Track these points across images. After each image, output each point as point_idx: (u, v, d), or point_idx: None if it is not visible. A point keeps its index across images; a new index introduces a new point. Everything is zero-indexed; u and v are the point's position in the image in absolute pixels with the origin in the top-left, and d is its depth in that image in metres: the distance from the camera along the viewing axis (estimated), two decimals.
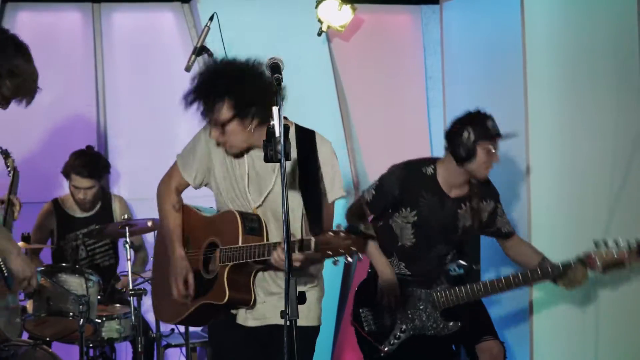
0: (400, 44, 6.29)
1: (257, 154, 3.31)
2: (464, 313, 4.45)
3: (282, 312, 2.84)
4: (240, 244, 3.26)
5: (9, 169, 4.14)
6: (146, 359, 5.12)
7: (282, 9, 5.85)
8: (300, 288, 2.90)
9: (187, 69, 4.75)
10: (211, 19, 4.81)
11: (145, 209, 5.35)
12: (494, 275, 5.15)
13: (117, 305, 5.13)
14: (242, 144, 3.32)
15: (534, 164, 5.22)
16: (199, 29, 5.77)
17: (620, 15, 4.86)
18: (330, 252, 2.92)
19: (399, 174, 4.41)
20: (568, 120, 5.18)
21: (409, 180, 4.39)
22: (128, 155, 5.88)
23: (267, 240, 3.30)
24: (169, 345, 5.34)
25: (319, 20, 5.77)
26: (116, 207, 5.53)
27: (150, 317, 5.23)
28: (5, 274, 3.66)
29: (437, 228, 4.40)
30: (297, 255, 3.04)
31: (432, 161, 4.46)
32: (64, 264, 5.10)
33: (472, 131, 4.29)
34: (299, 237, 3.23)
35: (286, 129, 2.90)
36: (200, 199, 3.80)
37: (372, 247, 4.41)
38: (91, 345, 4.92)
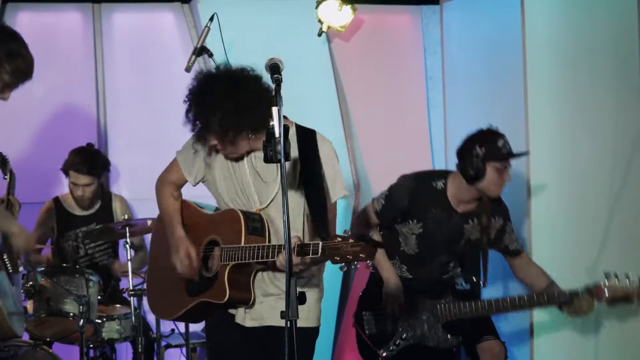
0: (401, 44, 6.29)
1: (258, 154, 3.31)
2: (465, 325, 4.44)
3: (282, 312, 2.83)
4: (242, 243, 3.24)
5: (6, 176, 4.16)
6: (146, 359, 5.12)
7: (282, 9, 5.85)
8: (299, 288, 2.90)
9: (187, 69, 4.76)
10: (211, 19, 4.82)
11: (146, 209, 5.35)
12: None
13: (118, 305, 5.13)
14: (242, 150, 3.32)
15: (534, 164, 5.22)
16: (199, 29, 5.77)
17: (620, 15, 4.86)
18: (337, 258, 2.91)
19: (409, 185, 4.39)
20: (568, 120, 5.18)
21: (418, 193, 4.37)
22: (128, 155, 5.88)
23: (269, 240, 3.29)
24: (169, 346, 5.34)
25: (319, 21, 5.77)
26: (117, 206, 5.53)
27: (151, 318, 5.23)
28: (10, 270, 3.69)
29: (441, 240, 4.39)
30: (304, 259, 3.03)
31: (444, 175, 4.42)
32: (64, 264, 5.11)
33: (481, 150, 4.24)
34: (301, 236, 3.23)
35: (286, 129, 2.89)
36: (202, 199, 3.80)
37: (379, 252, 4.41)
38: (91, 345, 4.92)
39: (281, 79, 2.97)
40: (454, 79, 6.11)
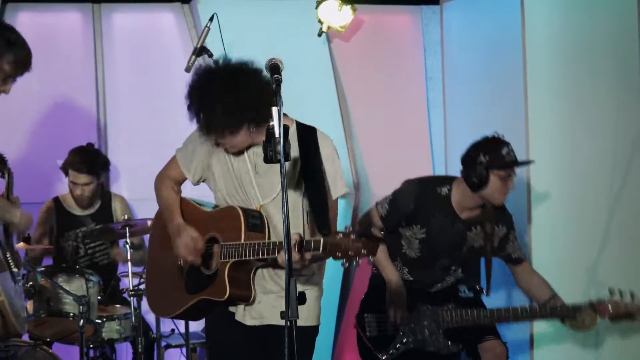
0: (401, 44, 6.29)
1: (258, 151, 3.31)
2: (466, 333, 4.45)
3: (282, 312, 2.83)
4: (242, 240, 3.23)
5: (3, 176, 4.17)
6: None
7: (282, 10, 5.85)
8: (299, 287, 2.89)
9: (187, 69, 4.76)
10: (211, 19, 4.82)
11: (146, 209, 5.35)
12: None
13: (118, 305, 5.13)
14: (244, 144, 3.32)
15: (534, 164, 5.21)
16: (199, 29, 5.77)
17: (620, 15, 4.87)
18: (339, 254, 2.90)
19: (414, 191, 4.38)
20: (568, 120, 5.18)
21: (423, 198, 4.36)
22: (128, 155, 5.88)
23: (269, 237, 3.28)
24: (169, 346, 5.33)
25: (319, 21, 5.77)
26: (117, 206, 5.53)
27: (150, 318, 5.23)
28: (13, 269, 3.69)
29: (443, 246, 4.39)
30: (305, 256, 3.03)
31: (449, 181, 4.41)
32: (64, 265, 5.11)
33: (485, 158, 4.23)
34: (301, 233, 3.23)
35: (286, 129, 2.89)
36: (202, 198, 3.80)
37: (382, 256, 4.41)
38: (91, 345, 4.92)
39: (281, 79, 2.97)
40: (454, 79, 6.11)
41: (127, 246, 4.97)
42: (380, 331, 4.45)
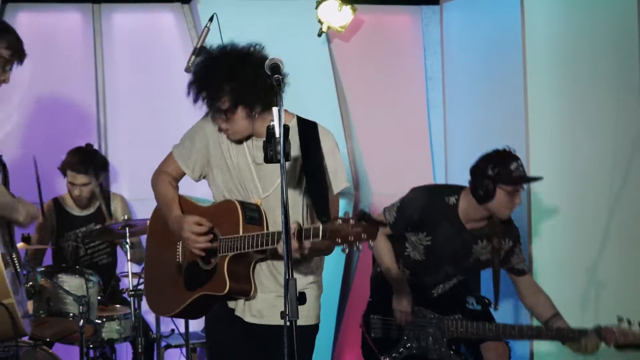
0: (400, 44, 6.29)
1: (258, 144, 3.31)
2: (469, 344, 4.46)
3: (282, 312, 2.82)
4: (240, 233, 3.22)
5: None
6: None
7: (282, 10, 5.85)
8: (298, 285, 2.87)
9: (187, 69, 4.76)
10: (211, 19, 4.82)
11: (145, 209, 5.33)
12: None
13: (117, 305, 5.13)
14: (246, 131, 3.30)
15: (534, 164, 5.22)
16: (199, 29, 5.77)
17: (620, 15, 4.87)
18: (339, 240, 2.87)
19: (422, 199, 4.37)
20: (568, 120, 5.19)
21: (430, 207, 4.35)
22: (128, 155, 5.88)
23: (267, 230, 3.28)
24: (169, 346, 5.33)
25: (319, 21, 5.77)
26: (116, 206, 5.53)
27: (150, 318, 5.23)
28: (18, 270, 3.69)
29: (448, 254, 4.39)
30: (304, 244, 3.02)
31: (457, 190, 4.39)
32: (64, 265, 5.11)
33: (493, 171, 4.20)
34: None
35: (286, 129, 2.89)
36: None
37: (381, 241, 4.40)
38: (91, 346, 4.92)
39: (281, 79, 2.97)
40: (454, 79, 6.11)
41: (127, 246, 4.97)
42: (385, 334, 4.46)
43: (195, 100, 3.26)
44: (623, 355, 4.52)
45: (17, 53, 3.62)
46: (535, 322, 4.58)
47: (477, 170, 4.27)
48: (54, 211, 5.46)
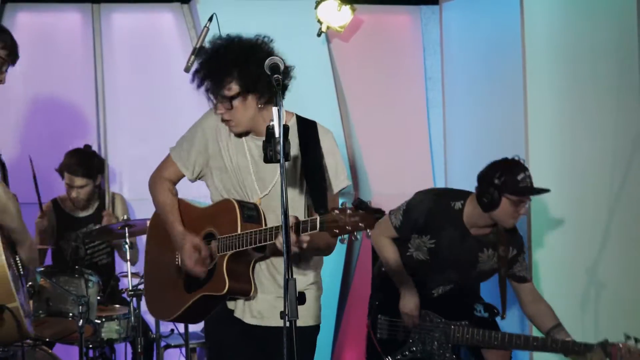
0: (400, 44, 6.29)
1: (257, 143, 3.30)
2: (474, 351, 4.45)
3: (281, 313, 2.82)
4: (239, 231, 3.22)
5: None
6: None
7: (281, 10, 5.85)
8: (298, 285, 2.87)
9: (187, 69, 4.76)
10: (210, 19, 4.81)
11: (145, 209, 5.32)
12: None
13: (117, 305, 5.12)
14: (248, 122, 3.29)
15: (533, 164, 5.21)
16: (198, 29, 5.77)
17: (620, 15, 4.87)
18: (337, 231, 2.87)
19: (428, 202, 4.36)
20: (568, 120, 5.18)
21: (436, 211, 4.34)
22: (127, 155, 5.88)
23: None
24: (168, 346, 5.33)
25: (319, 21, 5.77)
26: (117, 206, 5.52)
27: (150, 318, 5.22)
28: (22, 272, 3.68)
29: (452, 259, 4.38)
30: (303, 237, 3.01)
31: (464, 196, 4.37)
32: (63, 265, 5.10)
33: (500, 180, 4.18)
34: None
35: (286, 129, 2.88)
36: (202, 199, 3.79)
37: (380, 234, 4.40)
38: (91, 346, 4.91)
39: (281, 79, 2.96)
40: (454, 79, 6.11)
41: (127, 246, 4.96)
42: (391, 335, 4.45)
43: (199, 86, 3.25)
44: None
45: (13, 54, 3.63)
46: (535, 332, 4.56)
47: (484, 177, 4.24)
48: (53, 212, 5.45)
